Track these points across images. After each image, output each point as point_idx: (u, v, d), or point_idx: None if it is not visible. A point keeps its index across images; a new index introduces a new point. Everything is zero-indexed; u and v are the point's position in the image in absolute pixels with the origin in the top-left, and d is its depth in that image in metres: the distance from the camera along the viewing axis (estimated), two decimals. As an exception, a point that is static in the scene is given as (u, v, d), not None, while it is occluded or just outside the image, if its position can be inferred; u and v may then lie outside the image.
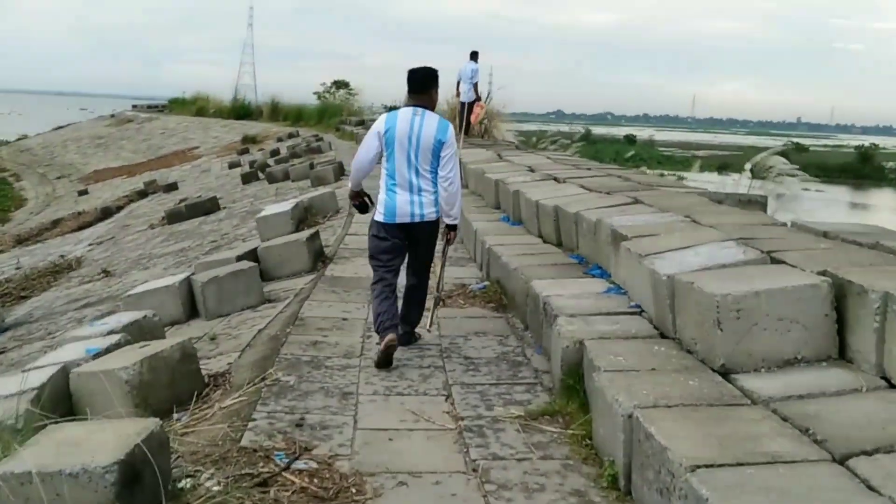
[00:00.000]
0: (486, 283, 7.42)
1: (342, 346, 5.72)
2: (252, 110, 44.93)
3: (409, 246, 5.56)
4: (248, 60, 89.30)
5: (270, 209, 11.97)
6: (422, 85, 5.44)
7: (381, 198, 5.45)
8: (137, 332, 5.64)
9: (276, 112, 41.93)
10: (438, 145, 5.28)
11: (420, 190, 5.34)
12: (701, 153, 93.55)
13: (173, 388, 4.62)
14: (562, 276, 6.24)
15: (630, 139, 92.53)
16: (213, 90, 53.16)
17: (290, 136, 33.20)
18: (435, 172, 5.35)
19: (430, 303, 5.94)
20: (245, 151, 31.75)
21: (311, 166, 19.07)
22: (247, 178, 21.81)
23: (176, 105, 54.05)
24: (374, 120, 6.10)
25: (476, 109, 19.30)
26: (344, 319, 6.45)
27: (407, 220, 5.38)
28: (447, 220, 5.59)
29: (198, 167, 31.72)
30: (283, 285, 8.12)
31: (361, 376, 5.12)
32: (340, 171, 17.49)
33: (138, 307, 7.11)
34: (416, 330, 5.84)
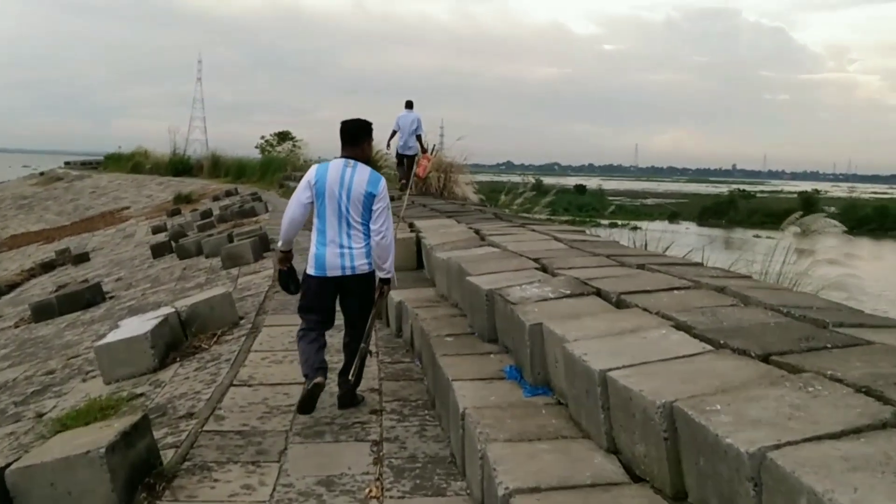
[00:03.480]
0: None
1: None
2: (192, 165, 39.86)
3: (341, 300, 5.21)
4: (198, 115, 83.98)
5: (123, 328, 7.26)
6: (354, 137, 5.15)
7: (312, 251, 5.11)
8: None
9: (217, 167, 37.01)
10: (370, 198, 4.99)
11: (350, 242, 5.04)
12: (649, 201, 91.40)
13: None
14: None
15: (580, 189, 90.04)
16: (161, 145, 48.14)
17: (228, 194, 28.60)
18: (366, 225, 5.04)
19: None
20: (176, 212, 27.09)
21: (230, 238, 14.35)
22: (158, 251, 17.04)
23: (111, 161, 48.24)
24: None
25: (423, 162, 15.97)
26: None
27: (337, 273, 5.05)
28: (380, 274, 5.20)
29: (122, 231, 26.95)
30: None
31: None
32: (264, 246, 12.81)
33: None
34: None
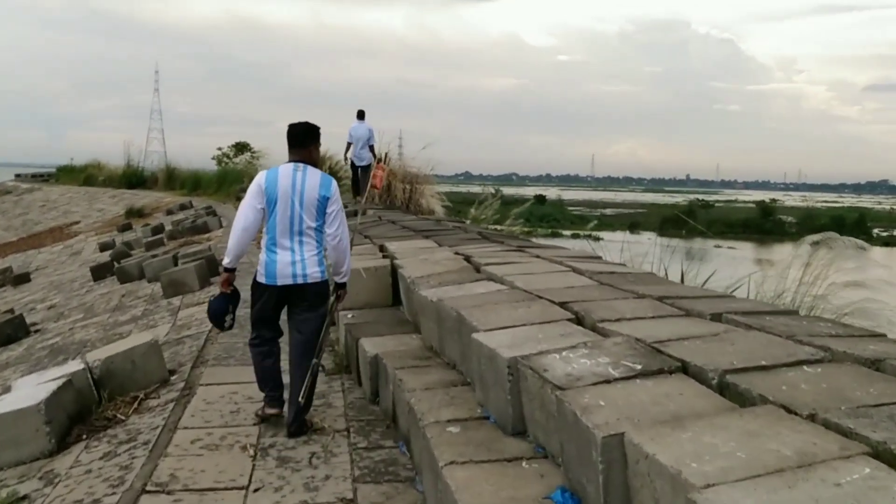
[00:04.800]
0: None
1: None
2: (146, 178, 37.62)
3: (290, 311, 4.87)
4: (156, 126, 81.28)
5: (14, 393, 5.47)
6: (301, 140, 4.84)
7: (262, 258, 4.80)
8: None
9: (173, 180, 34.90)
10: (324, 201, 4.73)
11: (302, 249, 4.72)
12: (608, 211, 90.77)
13: None
14: None
15: (540, 199, 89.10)
16: (117, 157, 45.57)
17: (183, 207, 26.66)
18: (320, 231, 4.77)
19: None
20: (127, 227, 25.10)
21: (175, 260, 12.51)
22: (98, 273, 15.15)
23: (64, 174, 45.55)
24: None
25: (378, 172, 14.93)
26: None
27: (289, 281, 4.72)
28: (336, 279, 4.99)
29: (69, 248, 24.86)
30: None
31: None
32: (211, 270, 11.02)
33: None
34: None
